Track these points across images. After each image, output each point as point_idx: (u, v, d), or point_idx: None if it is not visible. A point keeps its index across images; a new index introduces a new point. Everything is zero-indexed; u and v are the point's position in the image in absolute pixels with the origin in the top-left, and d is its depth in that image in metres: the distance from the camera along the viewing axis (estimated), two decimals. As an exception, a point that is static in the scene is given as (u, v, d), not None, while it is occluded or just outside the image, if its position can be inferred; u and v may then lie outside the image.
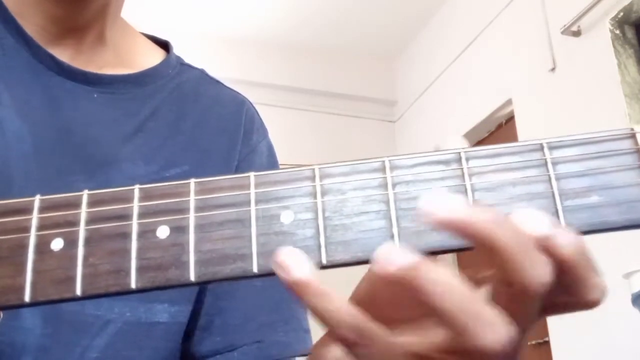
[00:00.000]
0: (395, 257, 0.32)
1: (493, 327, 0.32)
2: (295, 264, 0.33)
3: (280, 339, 0.64)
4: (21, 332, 0.53)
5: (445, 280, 0.32)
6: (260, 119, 0.77)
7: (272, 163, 0.75)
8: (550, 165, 0.35)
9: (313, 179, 0.36)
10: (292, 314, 0.67)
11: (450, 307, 0.32)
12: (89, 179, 0.60)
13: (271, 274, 0.34)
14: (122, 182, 0.60)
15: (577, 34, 2.69)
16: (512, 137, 3.00)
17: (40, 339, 0.54)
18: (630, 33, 2.57)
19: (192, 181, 0.37)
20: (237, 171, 0.70)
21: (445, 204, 0.32)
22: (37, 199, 0.37)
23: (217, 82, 0.76)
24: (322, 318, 0.33)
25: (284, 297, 0.66)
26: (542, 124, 2.88)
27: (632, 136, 0.35)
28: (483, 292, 0.34)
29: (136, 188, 0.37)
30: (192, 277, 0.35)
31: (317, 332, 0.67)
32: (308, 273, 0.32)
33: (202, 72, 0.76)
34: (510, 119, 3.20)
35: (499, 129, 3.39)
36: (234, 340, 0.64)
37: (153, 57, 0.72)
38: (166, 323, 0.61)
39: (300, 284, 0.32)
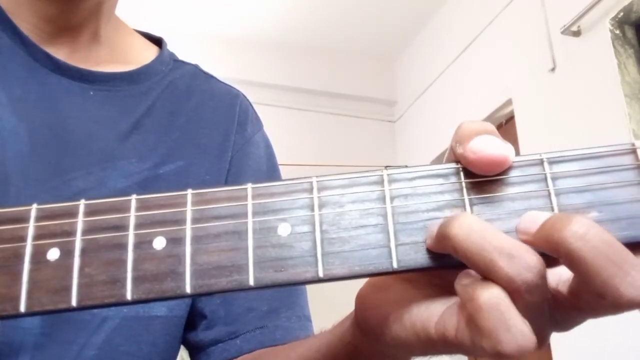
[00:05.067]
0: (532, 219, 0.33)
1: (516, 259, 0.32)
2: None
3: (283, 324, 0.65)
4: (19, 331, 0.53)
5: (462, 222, 0.32)
6: (255, 111, 0.77)
7: (269, 155, 0.75)
8: (549, 180, 0.35)
9: (311, 191, 0.36)
10: (294, 301, 0.67)
11: (473, 247, 0.32)
12: (86, 177, 0.60)
13: (267, 287, 0.34)
14: (118, 180, 0.61)
15: (577, 34, 2.68)
16: (513, 137, 2.99)
17: (38, 338, 0.54)
18: (630, 33, 2.56)
19: (189, 192, 0.37)
20: (232, 162, 0.70)
21: (531, 220, 0.33)
22: (33, 208, 0.37)
23: (211, 76, 0.77)
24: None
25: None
26: (542, 124, 2.88)
27: (633, 152, 0.35)
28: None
29: (133, 198, 0.37)
30: (188, 289, 0.34)
31: (317, 322, 0.67)
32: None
33: (196, 68, 0.76)
34: (510, 119, 3.20)
35: (499, 129, 3.33)
36: (236, 329, 0.64)
37: (147, 53, 0.72)
38: (164, 317, 0.62)
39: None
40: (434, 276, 0.38)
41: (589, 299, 0.33)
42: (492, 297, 0.31)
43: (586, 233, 0.31)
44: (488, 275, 0.32)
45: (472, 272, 0.33)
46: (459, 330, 0.34)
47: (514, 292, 0.32)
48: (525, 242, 0.33)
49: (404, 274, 0.38)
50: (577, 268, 0.32)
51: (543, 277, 0.32)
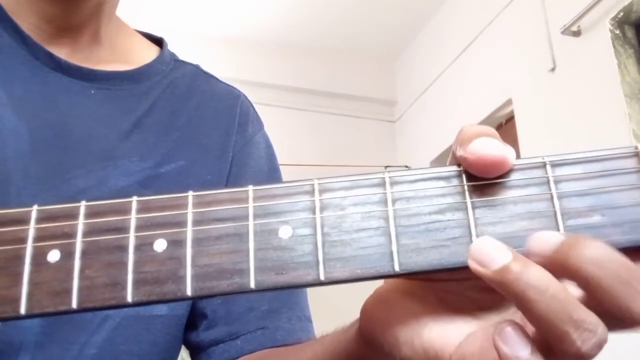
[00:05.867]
0: (488, 259, 0.32)
1: (595, 333, 0.31)
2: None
3: (284, 325, 0.65)
4: (20, 331, 0.53)
5: (541, 283, 0.31)
6: (256, 112, 0.77)
7: (270, 155, 0.75)
8: (552, 184, 0.35)
9: (312, 193, 0.36)
10: (295, 302, 0.67)
11: (549, 315, 0.31)
12: (87, 175, 0.60)
13: (269, 290, 0.34)
14: (119, 179, 0.61)
15: (577, 34, 2.68)
16: (513, 137, 2.99)
17: (38, 337, 0.54)
18: (630, 33, 2.56)
19: (191, 194, 0.36)
20: (233, 163, 0.70)
21: (544, 240, 0.32)
22: (34, 209, 0.37)
23: (211, 77, 0.77)
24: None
25: None
26: (542, 124, 2.88)
27: (636, 155, 0.34)
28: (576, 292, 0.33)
29: (134, 200, 0.37)
30: (189, 292, 0.34)
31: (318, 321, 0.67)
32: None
33: (197, 68, 0.76)
34: (510, 119, 3.20)
35: (499, 129, 3.38)
36: (237, 329, 0.64)
37: (148, 53, 0.72)
38: (165, 316, 0.61)
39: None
40: (440, 290, 0.38)
41: (604, 318, 0.32)
42: None
43: (604, 260, 0.31)
44: (555, 342, 0.31)
45: (515, 330, 0.32)
46: None
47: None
48: (538, 264, 0.32)
49: (410, 288, 0.38)
50: (594, 292, 0.31)
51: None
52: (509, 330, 0.32)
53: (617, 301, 0.31)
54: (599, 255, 0.31)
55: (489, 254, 0.32)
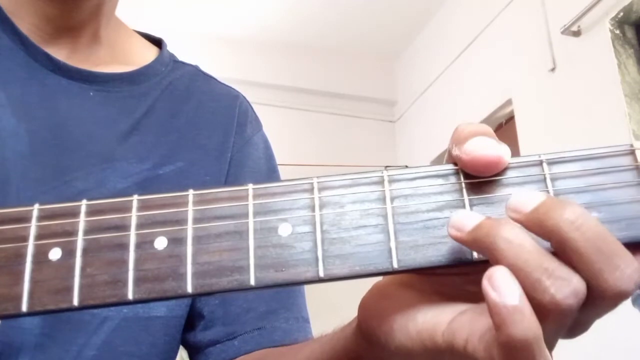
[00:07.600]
0: (464, 222, 0.33)
1: (570, 282, 0.31)
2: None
3: (281, 325, 0.65)
4: (19, 332, 0.54)
5: (509, 233, 0.32)
6: (255, 113, 0.77)
7: (269, 156, 0.75)
8: (549, 181, 0.35)
9: (311, 191, 0.36)
10: (292, 302, 0.67)
11: (519, 262, 0.31)
12: (86, 177, 0.60)
13: (268, 287, 0.34)
14: (118, 181, 0.61)
15: (577, 34, 2.68)
16: (512, 137, 2.99)
17: (38, 338, 0.54)
18: (630, 33, 2.56)
19: (191, 192, 0.37)
20: (231, 163, 0.70)
21: (525, 200, 0.33)
22: (35, 208, 0.37)
23: (211, 77, 0.77)
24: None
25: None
26: (542, 124, 2.88)
27: (632, 152, 0.35)
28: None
29: (135, 198, 0.37)
30: (189, 289, 0.35)
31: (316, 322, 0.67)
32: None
33: (196, 69, 0.76)
34: (510, 119, 3.20)
35: (499, 129, 3.38)
36: (235, 329, 0.64)
37: (147, 54, 0.72)
38: (164, 317, 0.62)
39: None
40: (439, 283, 0.38)
41: None
42: (527, 333, 0.31)
43: (582, 224, 0.31)
44: (529, 292, 0.31)
45: (505, 274, 0.32)
46: (469, 342, 0.33)
47: (554, 314, 0.31)
48: (515, 220, 0.33)
49: (408, 281, 0.39)
50: (568, 256, 0.32)
51: (582, 301, 0.32)
52: (499, 274, 0.31)
53: (592, 269, 0.31)
54: (578, 220, 0.31)
55: (465, 218, 0.34)
